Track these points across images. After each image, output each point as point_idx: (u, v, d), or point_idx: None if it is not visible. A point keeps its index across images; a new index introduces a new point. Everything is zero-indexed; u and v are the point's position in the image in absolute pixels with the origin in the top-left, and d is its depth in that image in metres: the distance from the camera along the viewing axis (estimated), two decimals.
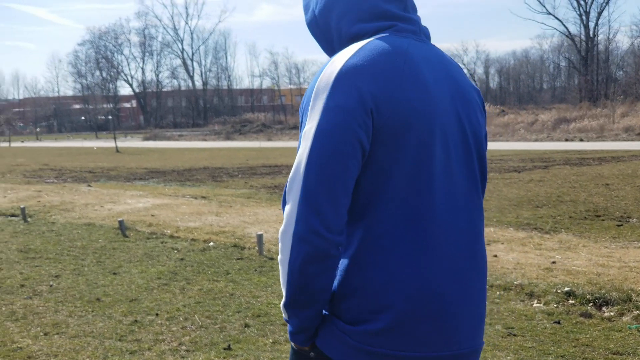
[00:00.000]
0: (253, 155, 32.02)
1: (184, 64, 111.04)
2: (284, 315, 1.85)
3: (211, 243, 9.11)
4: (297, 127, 64.66)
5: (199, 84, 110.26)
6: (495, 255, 7.80)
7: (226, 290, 6.72)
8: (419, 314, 1.75)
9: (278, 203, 13.37)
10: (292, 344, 1.90)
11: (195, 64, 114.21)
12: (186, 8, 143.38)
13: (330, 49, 2.03)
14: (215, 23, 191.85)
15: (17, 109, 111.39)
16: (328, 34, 1.99)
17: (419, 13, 2.01)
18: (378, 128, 1.73)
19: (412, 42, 1.87)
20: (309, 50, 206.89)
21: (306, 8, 2.06)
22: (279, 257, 1.77)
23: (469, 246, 1.87)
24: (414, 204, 1.77)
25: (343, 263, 1.80)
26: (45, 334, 5.42)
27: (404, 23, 1.92)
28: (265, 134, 62.12)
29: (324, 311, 1.83)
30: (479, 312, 1.88)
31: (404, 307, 1.74)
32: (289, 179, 1.75)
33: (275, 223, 10.67)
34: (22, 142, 70.40)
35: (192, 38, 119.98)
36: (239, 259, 8.17)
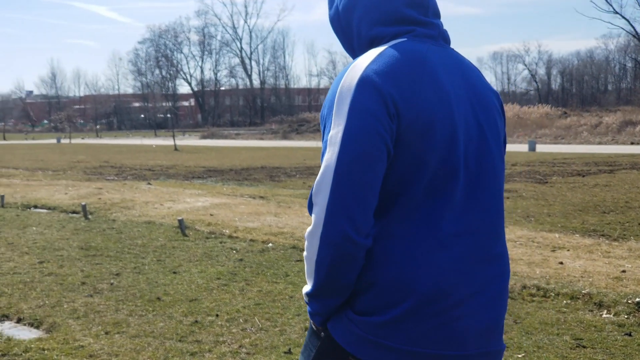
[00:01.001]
0: (310, 155, 32.03)
1: (242, 62, 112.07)
2: (305, 299, 1.92)
3: (270, 244, 9.06)
4: None
5: (256, 82, 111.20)
6: (561, 263, 7.58)
7: (285, 292, 6.64)
8: (425, 312, 1.78)
9: None
10: (311, 321, 1.97)
11: (253, 63, 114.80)
12: (245, 7, 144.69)
13: (350, 48, 2.06)
14: (274, 22, 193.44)
15: (77, 106, 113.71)
16: (349, 32, 2.03)
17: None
18: (400, 133, 1.76)
19: (430, 47, 1.90)
20: None
21: (330, 3, 2.09)
22: (305, 254, 1.83)
23: (486, 249, 1.89)
24: (432, 206, 1.81)
25: None
26: (106, 333, 5.41)
27: (423, 28, 1.94)
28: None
29: None
30: (493, 315, 1.89)
31: (412, 304, 1.77)
32: (316, 183, 1.77)
33: None
34: (83, 138, 71.78)
35: (250, 37, 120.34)
36: (298, 260, 8.09)
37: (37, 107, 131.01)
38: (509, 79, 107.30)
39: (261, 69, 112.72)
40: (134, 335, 5.37)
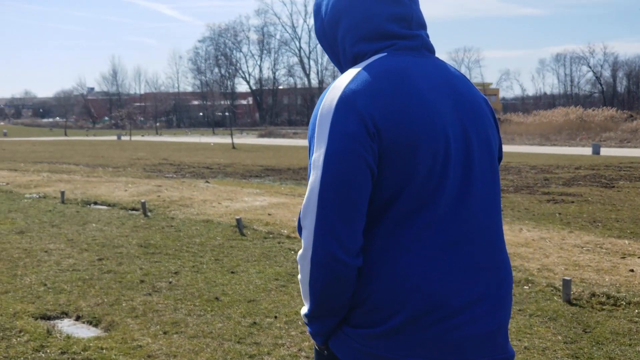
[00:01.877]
0: None
1: (301, 62, 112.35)
2: (304, 320, 1.95)
3: None
4: None
5: (315, 82, 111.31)
6: (632, 270, 7.29)
7: None
8: (421, 323, 1.79)
9: None
10: (314, 343, 1.99)
11: (311, 62, 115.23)
12: (305, 6, 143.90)
13: (337, 62, 2.08)
14: None
15: (138, 104, 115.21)
16: (335, 46, 2.04)
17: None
18: (382, 150, 1.77)
19: (411, 59, 1.90)
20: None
21: (316, 16, 2.09)
22: (299, 276, 1.86)
23: (482, 256, 1.88)
24: (420, 219, 1.81)
25: None
26: (165, 333, 5.35)
27: (404, 40, 1.94)
28: None
29: None
30: (493, 323, 1.88)
31: (405, 317, 1.78)
32: (302, 206, 1.80)
33: None
34: (142, 136, 72.77)
35: (309, 36, 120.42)
36: None
37: (98, 104, 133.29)
38: (572, 81, 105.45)
39: (319, 69, 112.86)
40: (192, 335, 5.29)
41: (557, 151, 35.46)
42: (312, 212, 1.77)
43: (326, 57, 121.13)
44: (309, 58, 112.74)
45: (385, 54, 1.90)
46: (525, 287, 6.68)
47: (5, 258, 8.02)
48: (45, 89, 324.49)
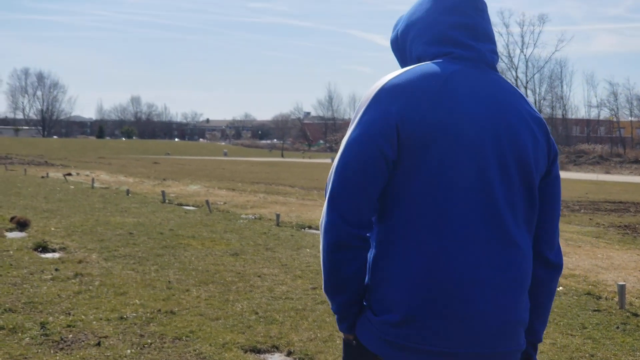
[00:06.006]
0: (592, 189, 30.10)
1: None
2: (328, 300, 2.04)
3: (560, 287, 8.01)
4: (638, 162, 66.20)
5: None
6: None
7: (584, 349, 5.65)
8: (432, 312, 1.87)
9: (634, 246, 11.91)
10: (343, 336, 2.09)
11: (529, 92, 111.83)
12: (522, 37, 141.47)
13: (405, 65, 2.19)
14: (551, 52, 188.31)
15: None
16: (404, 53, 2.21)
17: None
18: (403, 140, 1.90)
19: (462, 68, 2.01)
20: None
21: (394, 27, 2.27)
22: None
23: (496, 255, 1.91)
24: (431, 212, 1.89)
25: (369, 259, 1.99)
26: None
27: (463, 50, 2.04)
28: (602, 166, 59.67)
29: (364, 302, 2.03)
30: (508, 317, 1.93)
31: (416, 304, 1.87)
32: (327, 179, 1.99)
33: (634, 270, 9.26)
34: None
35: (526, 66, 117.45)
36: (595, 310, 7.01)
37: (314, 128, 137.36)
38: None
39: (537, 99, 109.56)
40: None
41: None
42: (328, 186, 1.96)
43: (544, 86, 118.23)
44: (525, 88, 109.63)
45: (440, 60, 2.03)
46: None
47: (218, 281, 7.80)
48: (264, 112, 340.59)
